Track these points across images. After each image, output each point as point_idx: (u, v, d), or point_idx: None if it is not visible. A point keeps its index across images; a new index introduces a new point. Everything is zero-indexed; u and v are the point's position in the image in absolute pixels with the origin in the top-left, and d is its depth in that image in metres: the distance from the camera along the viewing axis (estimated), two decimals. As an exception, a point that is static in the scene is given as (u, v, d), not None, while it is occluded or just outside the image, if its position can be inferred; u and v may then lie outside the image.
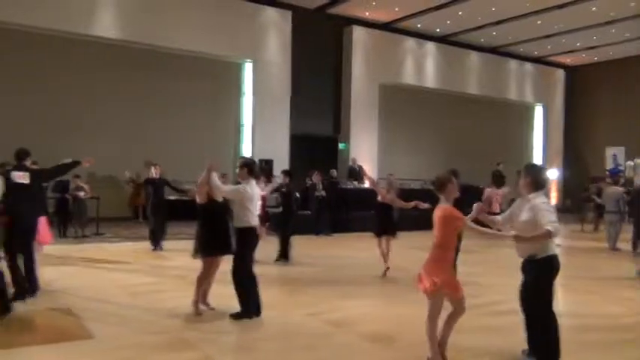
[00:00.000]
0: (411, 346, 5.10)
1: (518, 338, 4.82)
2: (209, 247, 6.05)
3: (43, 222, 7.38)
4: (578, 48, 25.05)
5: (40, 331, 5.50)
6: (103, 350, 4.89)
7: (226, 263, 6.12)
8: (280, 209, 10.15)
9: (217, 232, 6.05)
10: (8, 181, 6.29)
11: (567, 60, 27.30)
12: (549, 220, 4.33)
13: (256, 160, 17.72)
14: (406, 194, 9.17)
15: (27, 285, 6.36)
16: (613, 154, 23.82)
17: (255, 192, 6.08)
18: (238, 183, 6.20)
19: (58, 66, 15.84)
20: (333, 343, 5.30)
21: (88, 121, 16.06)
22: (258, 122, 19.02)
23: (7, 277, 6.02)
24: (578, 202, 20.45)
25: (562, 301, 6.79)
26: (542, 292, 4.55)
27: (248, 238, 5.96)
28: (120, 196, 16.25)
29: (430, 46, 23.32)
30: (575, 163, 27.30)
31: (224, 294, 6.12)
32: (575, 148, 27.82)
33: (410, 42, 22.71)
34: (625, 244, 12.24)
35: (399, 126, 22.48)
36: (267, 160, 17.05)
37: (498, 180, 14.94)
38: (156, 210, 11.03)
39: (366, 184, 16.37)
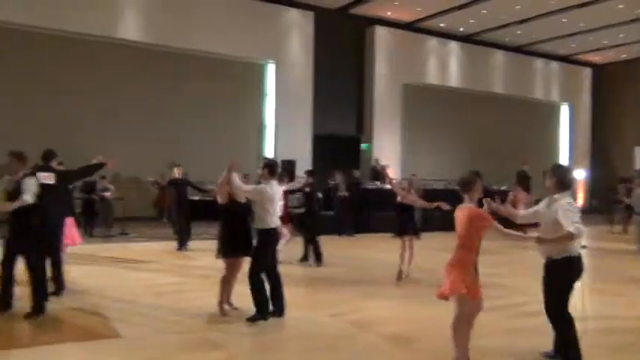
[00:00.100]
0: (433, 348, 5.07)
1: (544, 340, 4.76)
2: (230, 248, 6.06)
3: (70, 223, 7.49)
4: (605, 46, 24.58)
5: (68, 330, 5.59)
6: (128, 349, 4.96)
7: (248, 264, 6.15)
8: (303, 210, 10.14)
9: (238, 233, 6.04)
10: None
11: (594, 58, 26.81)
12: (572, 221, 4.29)
13: (279, 160, 17.93)
14: (429, 195, 9.12)
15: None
16: (642, 154, 23.36)
17: (276, 193, 6.06)
18: (260, 183, 6.22)
19: (82, 69, 16.10)
20: (355, 344, 5.29)
21: (111, 122, 16.30)
22: (281, 123, 19.09)
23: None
24: (606, 203, 20.07)
25: (588, 303, 6.67)
26: (559, 292, 4.49)
27: (266, 240, 5.93)
28: (144, 197, 16.46)
29: (453, 46, 23.13)
30: (603, 164, 26.78)
31: (249, 294, 6.12)
32: (603, 148, 27.29)
33: (433, 41, 22.56)
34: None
35: (422, 126, 22.33)
36: (290, 161, 17.08)
37: (523, 180, 14.76)
38: (179, 210, 11.17)
39: (388, 186, 16.33)
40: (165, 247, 11.46)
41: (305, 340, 5.35)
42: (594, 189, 26.52)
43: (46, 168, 6.55)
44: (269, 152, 18.93)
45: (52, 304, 6.12)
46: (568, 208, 4.38)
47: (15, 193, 5.74)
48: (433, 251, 9.84)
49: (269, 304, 5.92)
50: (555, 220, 4.41)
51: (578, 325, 4.56)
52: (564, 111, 27.35)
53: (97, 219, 13.04)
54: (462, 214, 4.45)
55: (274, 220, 5.98)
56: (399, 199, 8.45)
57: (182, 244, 11.08)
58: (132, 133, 16.50)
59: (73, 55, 16.00)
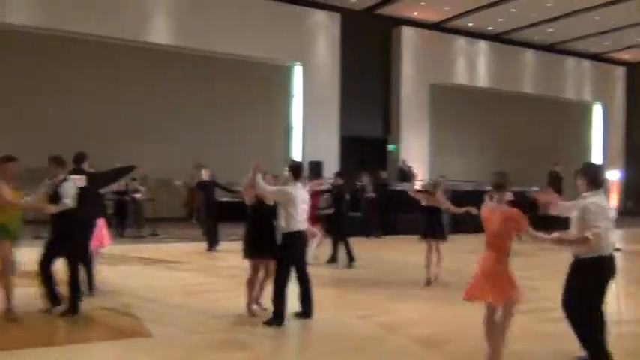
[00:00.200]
0: (463, 349, 5.03)
1: (575, 345, 4.67)
2: (255, 249, 6.08)
3: (100, 224, 7.63)
4: (638, 43, 23.98)
5: (101, 329, 5.71)
6: (159, 348, 5.04)
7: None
8: (332, 211, 10.12)
9: (264, 234, 6.04)
10: None
11: (627, 56, 26.18)
12: (594, 224, 4.22)
13: (306, 162, 18.02)
14: (458, 197, 9.02)
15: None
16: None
17: (300, 195, 5.95)
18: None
19: (109, 72, 16.43)
20: (383, 346, 5.27)
21: (139, 124, 16.62)
22: (308, 124, 19.16)
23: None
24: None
25: (620, 307, 6.51)
26: (582, 292, 4.38)
27: (289, 242, 5.86)
28: (173, 198, 16.68)
29: (482, 45, 22.88)
30: (638, 164, 26.13)
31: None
32: (638, 148, 26.63)
33: (461, 41, 22.36)
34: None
35: (450, 126, 22.14)
36: (317, 162, 17.13)
37: (555, 182, 14.51)
38: (207, 212, 11.30)
39: (416, 186, 16.22)
40: (195, 247, 11.60)
41: (332, 342, 5.36)
42: (629, 190, 25.91)
43: (77, 171, 6.68)
44: (296, 154, 19.00)
45: (85, 304, 6.25)
46: (594, 210, 4.28)
47: (54, 196, 5.89)
48: (462, 253, 9.76)
49: (285, 310, 5.80)
50: (580, 218, 4.35)
51: (613, 329, 4.46)
52: (597, 110, 26.78)
53: (129, 220, 13.28)
54: (495, 214, 4.41)
55: (298, 223, 5.88)
56: (425, 201, 8.34)
57: (211, 246, 11.22)
58: (160, 136, 16.77)
59: (100, 59, 16.33)
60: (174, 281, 8.19)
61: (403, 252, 11.67)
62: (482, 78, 22.91)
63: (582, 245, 4.26)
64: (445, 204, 8.11)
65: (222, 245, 11.40)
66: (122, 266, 9.24)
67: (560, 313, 4.50)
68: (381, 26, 20.93)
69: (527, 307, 5.50)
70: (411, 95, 21.14)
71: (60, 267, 6.06)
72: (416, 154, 20.54)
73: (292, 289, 6.02)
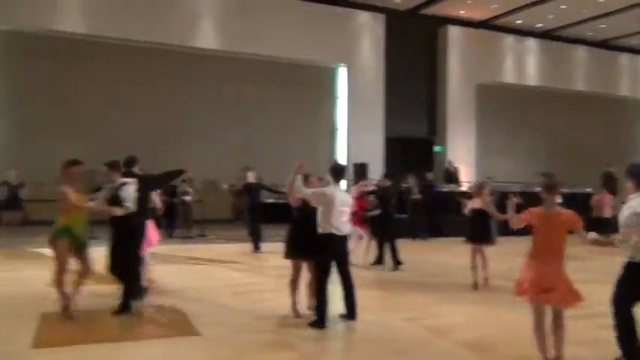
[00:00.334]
0: (511, 354, 4.94)
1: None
2: (297, 250, 6.08)
3: (149, 225, 7.83)
4: (697, 37, 22.91)
5: (150, 327, 5.88)
6: (207, 347, 5.14)
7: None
8: (378, 212, 10.03)
9: (305, 236, 5.97)
10: None
11: (685, 51, 25.03)
12: (627, 229, 4.17)
13: (350, 163, 18.00)
14: (505, 198, 8.76)
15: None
16: None
17: (338, 197, 5.83)
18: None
19: (155, 76, 16.90)
20: (429, 349, 5.22)
21: (186, 127, 17.02)
22: (353, 125, 19.15)
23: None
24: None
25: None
26: (624, 293, 4.33)
27: (324, 244, 5.79)
28: (221, 200, 16.96)
29: (531, 43, 22.33)
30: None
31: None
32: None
33: (509, 39, 21.89)
34: None
35: (497, 126, 21.70)
36: (362, 164, 17.09)
37: (609, 182, 14.00)
38: (252, 213, 11.41)
39: (463, 188, 15.96)
40: (242, 248, 11.77)
41: (377, 344, 5.34)
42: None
43: (128, 173, 6.89)
44: (341, 155, 19.03)
45: (137, 303, 6.43)
46: (634, 212, 4.17)
47: (113, 199, 6.10)
48: (510, 256, 9.54)
49: (327, 312, 5.75)
50: (622, 222, 4.27)
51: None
52: (653, 108, 25.70)
53: (178, 221, 13.61)
54: (550, 216, 4.35)
55: (336, 225, 5.78)
56: (470, 204, 8.12)
57: (256, 247, 11.31)
58: (207, 138, 17.13)
59: (149, 64, 16.82)
60: (222, 281, 8.34)
61: (450, 254, 11.51)
62: (532, 76, 22.35)
63: (609, 247, 4.27)
64: (489, 206, 7.82)
65: (269, 246, 11.49)
66: (171, 266, 9.47)
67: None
68: (426, 26, 20.73)
69: (581, 313, 5.33)
70: (457, 95, 20.84)
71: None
72: (462, 154, 20.23)
73: (338, 291, 6.03)
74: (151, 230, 7.90)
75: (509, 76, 21.95)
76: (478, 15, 20.75)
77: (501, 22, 21.23)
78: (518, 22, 21.20)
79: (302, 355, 4.99)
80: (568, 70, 22.95)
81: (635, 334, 4.29)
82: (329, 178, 6.03)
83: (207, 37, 17.22)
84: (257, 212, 11.45)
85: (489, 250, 8.31)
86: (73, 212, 5.89)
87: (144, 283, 7.02)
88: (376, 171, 16.33)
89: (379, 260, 9.91)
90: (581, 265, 9.57)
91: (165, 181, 7.98)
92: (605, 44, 23.67)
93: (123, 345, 5.17)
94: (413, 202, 14.32)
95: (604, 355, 4.97)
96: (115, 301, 6.17)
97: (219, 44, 17.33)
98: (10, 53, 15.70)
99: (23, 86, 15.71)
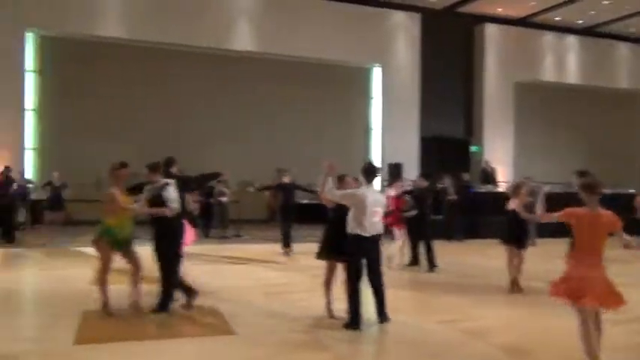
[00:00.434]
0: (548, 359, 4.81)
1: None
2: (331, 250, 6.06)
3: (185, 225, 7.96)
4: None
5: (187, 326, 5.96)
6: (241, 347, 5.21)
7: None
8: (414, 213, 9.84)
9: (338, 237, 5.91)
10: None
11: None
12: None
13: (385, 163, 17.90)
14: (550, 200, 8.54)
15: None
16: None
17: (369, 198, 5.72)
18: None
19: (194, 79, 17.18)
20: (464, 352, 5.16)
21: (221, 129, 17.24)
22: (387, 126, 19.07)
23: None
24: None
25: None
26: None
27: (354, 246, 5.73)
28: (256, 200, 17.11)
29: (571, 40, 21.81)
30: None
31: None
32: None
33: (548, 36, 21.43)
34: None
35: (536, 126, 21.27)
36: (397, 164, 17.00)
37: (653, 183, 13.54)
38: (284, 213, 11.42)
39: (500, 189, 15.68)
40: (277, 248, 11.80)
41: (412, 346, 5.30)
42: None
43: (166, 174, 7.01)
44: (375, 156, 18.96)
45: (174, 301, 6.56)
46: None
47: (155, 199, 6.22)
48: (548, 258, 9.34)
49: (360, 313, 5.72)
50: None
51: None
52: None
53: (214, 221, 13.79)
54: (593, 217, 4.28)
55: (368, 226, 5.70)
56: (511, 205, 7.93)
57: (287, 246, 11.28)
58: (242, 139, 17.33)
59: (184, 66, 17.10)
60: (257, 281, 8.42)
61: (486, 256, 11.32)
62: (572, 74, 21.82)
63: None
64: (521, 210, 7.57)
65: (304, 247, 11.51)
66: (207, 266, 9.60)
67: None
68: (462, 24, 20.48)
69: (622, 317, 5.19)
70: (495, 94, 20.52)
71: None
72: (499, 154, 19.89)
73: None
74: (187, 230, 8.05)
75: (548, 75, 21.49)
76: (516, 12, 20.39)
77: (540, 19, 20.80)
78: (557, 18, 20.73)
79: (336, 356, 5.00)
80: (610, 68, 22.30)
81: None
82: (362, 178, 5.97)
83: (242, 39, 17.42)
84: (290, 212, 11.44)
85: (527, 252, 8.14)
86: (119, 213, 6.05)
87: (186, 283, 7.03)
88: (411, 171, 16.22)
89: (414, 261, 9.83)
90: (621, 268, 9.30)
91: (202, 182, 8.12)
92: (649, 40, 22.96)
93: (161, 343, 5.28)
94: (449, 203, 14.15)
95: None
96: (154, 300, 6.28)
97: (255, 46, 17.51)
98: (53, 58, 16.20)
99: (64, 89, 16.20)
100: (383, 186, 16.63)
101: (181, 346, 5.21)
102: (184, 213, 7.75)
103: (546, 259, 9.30)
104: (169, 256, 6.38)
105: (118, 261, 6.28)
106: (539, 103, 21.27)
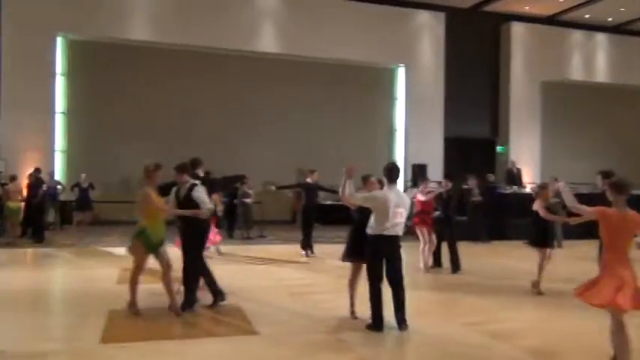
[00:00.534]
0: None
1: None
2: (357, 252, 6.03)
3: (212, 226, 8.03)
4: None
5: (210, 325, 6.00)
6: (264, 347, 5.23)
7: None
8: (438, 214, 9.71)
9: (362, 238, 5.85)
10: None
11: None
12: None
13: (409, 164, 17.79)
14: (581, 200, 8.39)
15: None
16: None
17: (392, 199, 5.61)
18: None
19: (219, 80, 17.32)
20: (490, 355, 5.09)
21: (245, 131, 17.36)
22: (411, 126, 18.96)
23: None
24: None
25: None
26: None
27: (374, 247, 5.66)
28: (280, 201, 17.20)
29: (601, 38, 21.39)
30: None
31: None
32: None
33: (576, 35, 21.06)
34: None
35: (564, 126, 20.88)
36: (421, 165, 16.90)
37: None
38: (306, 213, 11.37)
39: (527, 189, 15.46)
40: (300, 249, 11.83)
41: (435, 348, 5.26)
42: None
43: (192, 175, 7.08)
44: (399, 156, 18.87)
45: (198, 302, 6.63)
46: None
47: (185, 200, 6.28)
48: (573, 260, 9.19)
49: (381, 314, 5.65)
50: None
51: None
52: None
53: (238, 222, 13.89)
54: (624, 217, 4.24)
55: (389, 227, 5.60)
56: (534, 207, 7.81)
57: (305, 248, 11.23)
58: (266, 140, 17.44)
59: (208, 68, 17.27)
60: (281, 282, 8.44)
61: (511, 258, 11.19)
62: (600, 73, 21.40)
63: None
64: (542, 210, 7.45)
65: (329, 248, 11.51)
66: (231, 266, 9.66)
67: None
68: (488, 23, 20.27)
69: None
70: (521, 94, 20.24)
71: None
72: (526, 155, 19.61)
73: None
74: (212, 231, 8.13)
75: (576, 73, 21.11)
76: (543, 11, 20.10)
77: (568, 17, 20.46)
78: (586, 16, 20.35)
79: (358, 358, 4.99)
80: (640, 66, 21.82)
81: None
82: (384, 179, 5.90)
83: (266, 41, 17.52)
84: (311, 212, 11.38)
85: (553, 253, 8.00)
86: (154, 214, 6.12)
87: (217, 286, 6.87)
88: (435, 172, 16.10)
89: (437, 263, 9.74)
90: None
91: (227, 184, 8.16)
92: (682, 37, 22.37)
93: (186, 342, 5.33)
94: (473, 204, 13.99)
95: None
96: (180, 299, 6.36)
97: (279, 48, 17.58)
98: (81, 61, 16.51)
99: (91, 92, 16.51)
100: (406, 187, 16.55)
101: (205, 346, 5.25)
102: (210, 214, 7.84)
103: (572, 262, 9.16)
104: (195, 255, 6.46)
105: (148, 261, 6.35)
106: (566, 102, 20.92)
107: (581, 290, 4.39)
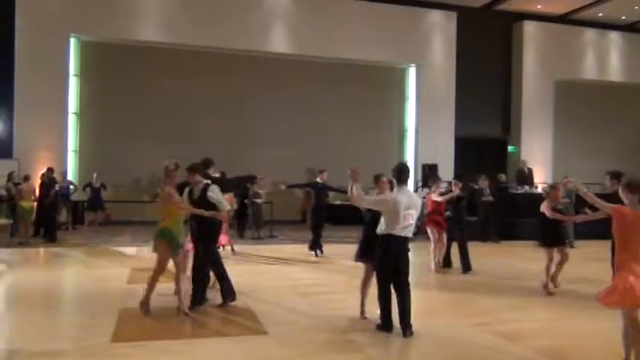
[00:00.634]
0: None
1: None
2: (362, 253, 6.04)
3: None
4: None
5: (219, 325, 6.02)
6: (273, 346, 5.23)
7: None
8: (448, 214, 9.61)
9: (373, 239, 5.78)
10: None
11: None
12: None
13: (420, 164, 17.74)
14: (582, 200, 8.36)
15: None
16: None
17: (403, 201, 5.52)
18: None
19: (229, 81, 17.37)
20: (500, 355, 5.06)
21: (257, 131, 17.41)
22: (422, 126, 18.88)
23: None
24: None
25: None
26: None
27: (382, 247, 5.59)
28: (290, 201, 17.22)
29: (614, 36, 21.17)
30: None
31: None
32: None
33: (589, 33, 20.86)
34: None
35: (577, 125, 20.71)
36: (432, 165, 16.83)
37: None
38: (315, 213, 11.35)
39: (539, 189, 15.35)
40: (308, 250, 11.84)
41: (445, 349, 5.24)
42: None
43: (204, 176, 7.10)
44: (410, 156, 18.81)
45: (208, 301, 6.65)
46: None
47: (199, 200, 6.31)
48: (583, 261, 9.11)
49: (390, 315, 5.62)
50: None
51: None
52: None
53: (248, 222, 13.94)
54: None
55: (399, 229, 5.52)
56: (542, 207, 7.75)
57: (313, 248, 11.15)
58: (276, 140, 17.46)
59: (220, 70, 17.30)
60: (290, 281, 8.44)
61: (523, 258, 11.11)
62: (615, 72, 21.18)
63: None
64: (549, 210, 7.39)
65: (339, 248, 11.52)
66: (241, 266, 9.68)
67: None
68: (500, 22, 20.14)
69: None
70: (533, 93, 20.09)
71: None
72: (538, 155, 19.47)
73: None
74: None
75: (589, 73, 20.92)
76: (556, 9, 19.94)
77: (581, 15, 20.27)
78: (599, 14, 20.15)
79: (368, 358, 4.98)
80: (655, 64, 21.57)
81: None
82: (394, 180, 5.81)
83: (278, 41, 17.53)
84: (321, 212, 11.36)
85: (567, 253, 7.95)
86: (176, 214, 6.15)
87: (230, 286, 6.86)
88: (446, 172, 16.02)
89: (447, 263, 9.70)
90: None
91: (238, 184, 8.18)
92: (697, 35, 22.08)
93: (196, 342, 5.34)
94: (484, 205, 13.91)
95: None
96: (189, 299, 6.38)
97: (290, 48, 17.59)
98: (93, 62, 16.64)
99: (103, 93, 16.64)
100: (416, 187, 16.51)
101: (214, 346, 5.26)
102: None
103: (583, 262, 9.08)
104: (206, 255, 6.49)
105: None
106: (579, 101, 20.72)
107: (606, 298, 4.31)
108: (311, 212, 11.66)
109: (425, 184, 16.13)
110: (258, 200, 13.70)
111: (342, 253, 10.92)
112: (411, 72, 19.29)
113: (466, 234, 9.63)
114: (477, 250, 10.38)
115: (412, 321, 5.57)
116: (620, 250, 4.29)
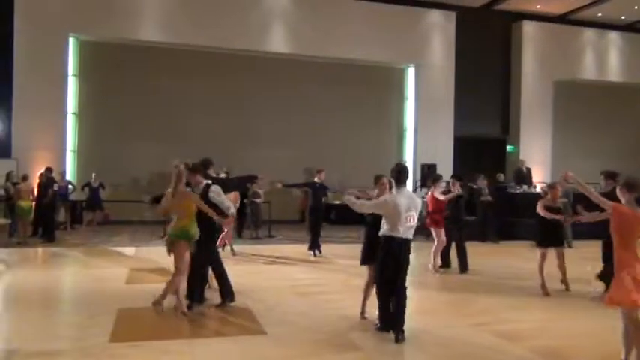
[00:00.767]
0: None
1: None
2: (366, 256, 6.03)
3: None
4: None
5: (217, 325, 6.02)
6: (273, 346, 5.23)
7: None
8: (447, 214, 9.55)
9: (376, 240, 5.74)
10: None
11: None
12: None
13: (419, 164, 17.73)
14: (581, 200, 8.37)
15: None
16: None
17: (403, 203, 5.48)
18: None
19: (228, 81, 17.34)
20: (499, 355, 5.06)
21: (255, 131, 17.37)
22: (422, 126, 18.88)
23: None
24: None
25: None
26: None
27: (384, 248, 5.57)
28: (288, 201, 17.20)
29: (613, 36, 21.17)
30: None
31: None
32: None
33: (588, 33, 20.86)
34: None
35: (576, 125, 20.71)
36: (430, 165, 16.82)
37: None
38: (312, 213, 11.34)
39: (538, 189, 15.35)
40: (307, 250, 11.83)
41: (444, 349, 5.25)
42: None
43: (204, 176, 7.09)
44: (409, 156, 18.81)
45: (207, 301, 6.64)
46: None
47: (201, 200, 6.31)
48: (580, 260, 9.12)
49: (390, 317, 5.58)
50: None
51: None
52: None
53: (247, 221, 13.92)
54: (638, 217, 4.24)
55: (400, 231, 5.48)
56: (537, 207, 7.79)
57: (312, 248, 11.13)
58: (276, 140, 17.45)
59: (219, 70, 17.28)
60: (289, 281, 8.44)
61: (521, 258, 11.10)
62: (614, 72, 21.18)
63: None
64: (542, 210, 7.48)
65: (339, 248, 11.51)
66: (239, 266, 9.66)
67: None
68: (499, 22, 20.14)
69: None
70: (532, 93, 20.10)
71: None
72: (537, 155, 19.47)
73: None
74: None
75: (589, 73, 20.92)
76: (555, 9, 19.94)
77: (580, 15, 20.27)
78: (598, 14, 20.15)
79: (366, 357, 4.98)
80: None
81: None
82: (392, 181, 5.78)
83: (277, 41, 17.51)
84: (318, 212, 11.33)
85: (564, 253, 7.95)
86: (192, 212, 6.15)
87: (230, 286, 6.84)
88: (445, 172, 15.98)
89: (446, 263, 9.69)
90: None
91: (239, 185, 8.18)
92: (696, 35, 22.10)
93: (194, 342, 5.34)
94: (483, 204, 13.92)
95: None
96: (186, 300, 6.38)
97: (290, 48, 17.57)
98: (91, 62, 16.62)
99: (102, 92, 16.61)
100: (415, 187, 16.52)
101: (213, 345, 5.27)
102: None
103: (581, 262, 9.08)
104: (205, 254, 6.48)
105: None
106: (578, 101, 20.73)
107: (609, 298, 4.31)
108: (309, 212, 11.63)
109: (424, 184, 16.13)
110: (257, 200, 13.69)
111: (341, 253, 10.92)
112: (410, 72, 19.28)
113: (464, 234, 9.63)
114: (476, 250, 10.38)
115: (412, 321, 5.57)
116: (620, 249, 4.28)
